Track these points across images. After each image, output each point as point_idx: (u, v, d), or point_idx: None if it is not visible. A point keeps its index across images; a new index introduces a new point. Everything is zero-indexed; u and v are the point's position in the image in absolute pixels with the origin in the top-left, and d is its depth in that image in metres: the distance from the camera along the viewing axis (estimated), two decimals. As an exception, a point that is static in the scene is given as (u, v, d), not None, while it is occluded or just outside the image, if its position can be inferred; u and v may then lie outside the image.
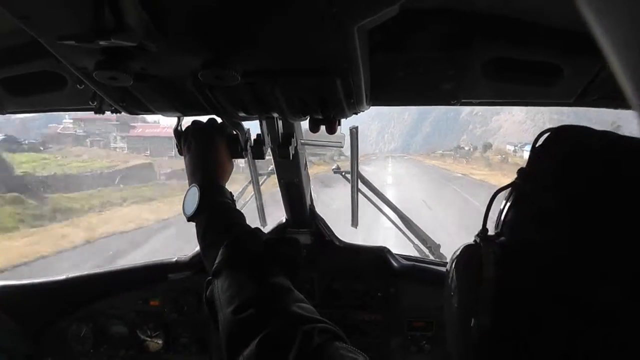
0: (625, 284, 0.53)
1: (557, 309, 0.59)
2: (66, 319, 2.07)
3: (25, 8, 0.66)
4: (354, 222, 2.32)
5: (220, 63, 0.82)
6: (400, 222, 2.40)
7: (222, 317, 0.95)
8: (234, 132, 1.31)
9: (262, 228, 1.82)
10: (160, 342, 2.06)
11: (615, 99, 1.10)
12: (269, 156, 1.61)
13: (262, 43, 0.81)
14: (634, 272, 0.53)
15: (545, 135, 0.69)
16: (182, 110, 1.15)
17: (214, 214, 1.21)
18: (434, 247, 2.34)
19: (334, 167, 2.40)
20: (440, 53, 1.00)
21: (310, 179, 2.04)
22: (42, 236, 14.02)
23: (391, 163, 67.53)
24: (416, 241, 2.37)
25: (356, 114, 1.11)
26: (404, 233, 2.41)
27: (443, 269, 2.05)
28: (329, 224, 2.10)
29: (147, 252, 11.29)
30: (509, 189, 0.70)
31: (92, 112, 1.20)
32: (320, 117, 1.10)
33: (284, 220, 2.07)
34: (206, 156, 1.29)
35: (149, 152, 42.24)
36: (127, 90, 0.99)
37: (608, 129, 0.65)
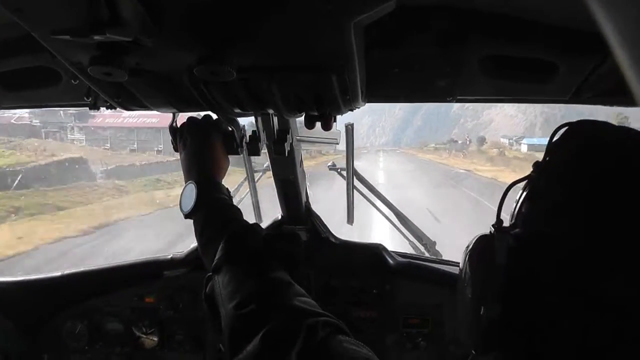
0: (638, 277, 0.54)
1: (570, 301, 0.60)
2: (61, 316, 2.06)
3: (19, 1, 0.65)
4: (350, 219, 2.33)
5: (215, 58, 0.82)
6: (396, 219, 2.41)
7: (224, 313, 0.95)
8: (230, 129, 1.31)
9: (257, 225, 1.82)
10: (155, 339, 2.05)
11: (610, 97, 1.10)
12: (264, 152, 1.61)
13: (258, 39, 0.81)
14: None
15: (563, 130, 0.69)
16: (178, 106, 1.15)
17: (212, 210, 1.21)
18: (429, 244, 2.35)
19: (329, 163, 2.40)
20: (437, 50, 1.00)
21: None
22: None
23: (383, 157, 62.24)
24: (412, 238, 2.38)
25: (352, 110, 1.11)
26: (399, 230, 2.42)
27: (439, 266, 2.06)
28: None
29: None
30: (525, 181, 0.71)
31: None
32: (316, 113, 1.10)
33: (280, 217, 2.07)
34: (202, 153, 1.29)
35: (109, 144, 39.66)
36: (122, 86, 0.99)
37: (606, 120, 0.66)
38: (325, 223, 2.09)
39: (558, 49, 0.96)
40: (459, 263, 0.76)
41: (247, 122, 1.36)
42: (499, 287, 0.65)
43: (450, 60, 1.03)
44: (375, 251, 2.05)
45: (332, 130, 1.17)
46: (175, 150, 1.37)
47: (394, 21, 0.81)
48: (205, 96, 1.02)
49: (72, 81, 1.10)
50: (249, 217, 1.25)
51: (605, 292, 0.57)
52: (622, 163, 0.60)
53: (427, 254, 2.31)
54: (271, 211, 2.16)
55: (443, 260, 2.21)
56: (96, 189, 22.61)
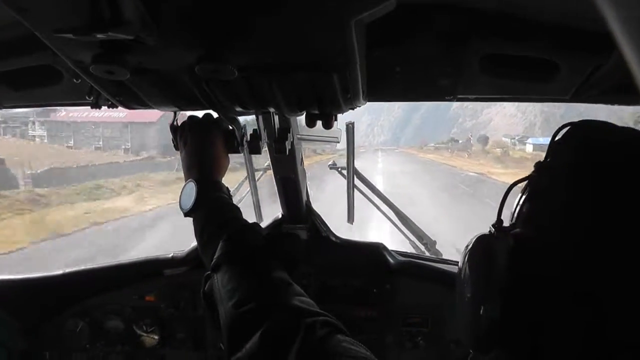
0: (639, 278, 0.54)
1: (570, 302, 0.60)
2: (62, 314, 2.07)
3: (23, 1, 0.65)
4: (350, 218, 2.33)
5: (217, 57, 0.82)
6: (397, 219, 2.41)
7: (223, 312, 0.95)
8: (230, 127, 1.31)
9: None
10: (156, 337, 2.06)
11: (612, 95, 1.10)
12: (265, 151, 1.62)
13: (259, 37, 0.81)
14: None
15: (566, 129, 0.69)
16: (179, 104, 1.15)
17: (212, 209, 1.21)
18: (430, 243, 2.35)
19: (330, 162, 2.40)
20: (438, 48, 1.00)
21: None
22: None
23: (381, 157, 54.81)
24: (412, 237, 2.38)
25: (352, 109, 1.11)
26: (400, 229, 2.41)
27: (439, 265, 2.06)
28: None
29: None
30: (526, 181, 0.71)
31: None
32: (317, 112, 1.10)
33: (280, 216, 2.07)
34: (203, 151, 1.29)
35: (72, 141, 36.69)
36: (124, 85, 0.99)
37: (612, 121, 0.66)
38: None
39: (559, 48, 0.96)
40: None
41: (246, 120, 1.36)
42: (498, 287, 0.65)
43: (451, 59, 1.03)
44: (375, 250, 2.05)
45: (332, 128, 1.17)
46: (176, 148, 1.37)
47: (395, 20, 0.81)
48: (206, 94, 1.03)
49: (74, 80, 1.10)
50: (250, 216, 1.25)
51: (605, 293, 0.57)
52: (625, 164, 0.60)
53: (427, 253, 2.31)
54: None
55: (443, 259, 2.21)
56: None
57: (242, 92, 1.01)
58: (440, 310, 1.92)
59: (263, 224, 2.08)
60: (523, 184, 0.73)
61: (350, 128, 1.80)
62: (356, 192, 2.28)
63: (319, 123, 1.14)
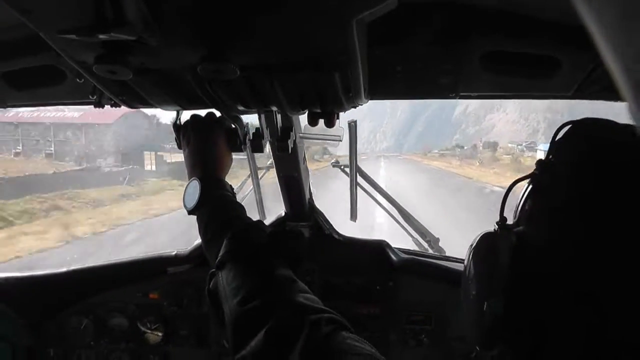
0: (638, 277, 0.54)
1: (570, 300, 0.60)
2: (67, 311, 2.08)
3: (27, 3, 0.66)
4: (353, 216, 2.33)
5: (219, 56, 0.82)
6: (399, 216, 2.41)
7: (228, 309, 0.95)
8: (233, 126, 1.32)
9: (261, 222, 1.82)
10: (160, 334, 2.07)
11: (614, 92, 1.10)
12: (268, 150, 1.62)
13: (261, 36, 0.81)
14: None
15: (567, 128, 0.69)
16: (182, 103, 1.15)
17: (216, 206, 1.22)
18: (433, 240, 2.34)
19: (332, 161, 2.41)
20: (439, 46, 1.01)
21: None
22: None
23: (384, 165, 46.79)
24: (415, 235, 2.38)
25: (354, 107, 1.11)
26: (402, 227, 2.41)
27: (442, 262, 2.06)
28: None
29: None
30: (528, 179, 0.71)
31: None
32: (319, 110, 1.10)
33: (283, 214, 2.07)
34: (205, 150, 1.30)
35: (21, 146, 29.36)
36: (127, 84, 0.99)
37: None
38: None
39: (560, 44, 0.96)
40: (462, 260, 0.76)
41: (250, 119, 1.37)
42: (501, 284, 0.66)
43: (452, 56, 1.03)
44: (378, 248, 2.06)
45: (335, 127, 1.17)
46: (179, 147, 1.37)
47: (396, 18, 0.81)
48: (208, 94, 1.03)
49: (77, 80, 1.10)
50: (253, 215, 1.25)
51: (606, 293, 0.57)
52: (627, 162, 0.60)
53: (430, 251, 2.31)
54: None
55: (446, 257, 2.20)
56: None
57: (245, 91, 1.01)
58: (444, 308, 1.92)
59: (266, 222, 2.09)
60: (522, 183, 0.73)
61: (352, 126, 1.80)
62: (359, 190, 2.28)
63: (322, 122, 1.15)
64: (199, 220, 1.24)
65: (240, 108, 1.15)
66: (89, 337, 2.08)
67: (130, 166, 25.44)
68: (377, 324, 1.96)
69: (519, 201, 0.72)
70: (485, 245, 0.72)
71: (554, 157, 0.69)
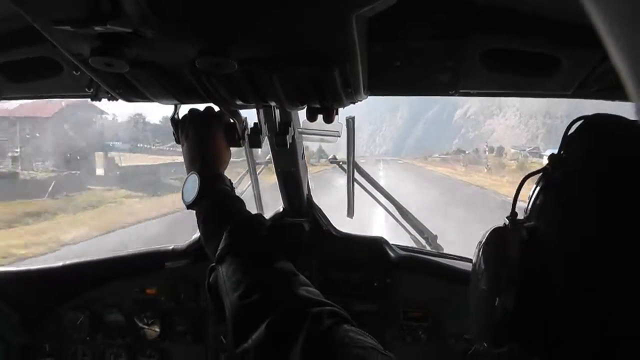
0: None
1: (581, 295, 0.60)
2: (63, 307, 2.07)
3: None
4: (350, 212, 2.33)
5: (217, 51, 0.82)
6: (397, 213, 2.41)
7: (229, 303, 0.95)
8: (231, 121, 1.31)
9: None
10: (156, 330, 2.06)
11: (613, 91, 1.10)
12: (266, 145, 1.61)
13: (259, 31, 0.80)
14: None
15: (578, 123, 0.69)
16: (180, 98, 1.14)
17: (215, 200, 1.21)
18: (430, 237, 2.35)
19: (330, 157, 2.40)
20: (438, 43, 1.00)
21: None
22: None
23: (383, 169, 40.05)
24: (413, 232, 2.38)
25: (353, 103, 1.11)
26: (400, 224, 2.42)
27: (440, 259, 2.06)
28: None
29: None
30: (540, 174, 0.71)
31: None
32: (318, 106, 1.10)
33: (281, 210, 2.07)
34: (204, 144, 1.29)
35: None
36: (124, 77, 0.98)
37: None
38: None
39: (560, 43, 0.95)
40: (460, 257, 0.76)
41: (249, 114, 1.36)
42: (512, 279, 0.66)
43: (451, 53, 1.02)
44: (376, 244, 2.05)
45: (333, 123, 1.17)
46: (177, 142, 1.37)
47: (396, 14, 0.81)
48: (207, 88, 1.02)
49: (74, 72, 1.10)
50: (251, 210, 1.25)
51: (615, 288, 0.57)
52: (637, 157, 0.60)
53: (428, 248, 2.31)
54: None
55: (444, 254, 2.20)
56: None
57: (243, 86, 1.00)
58: (441, 305, 1.92)
59: None
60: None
61: (350, 123, 1.80)
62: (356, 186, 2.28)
63: (320, 117, 1.14)
64: (197, 215, 1.24)
65: (239, 103, 1.14)
66: (85, 332, 2.07)
67: (72, 171, 19.18)
68: (374, 321, 1.96)
69: (530, 196, 0.72)
70: (496, 241, 0.72)
71: (565, 153, 0.69)
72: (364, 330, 0.82)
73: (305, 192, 2.00)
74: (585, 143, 0.67)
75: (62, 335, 2.07)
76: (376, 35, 0.92)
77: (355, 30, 0.77)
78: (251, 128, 1.37)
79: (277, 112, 1.41)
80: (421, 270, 2.00)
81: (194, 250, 2.03)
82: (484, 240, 0.73)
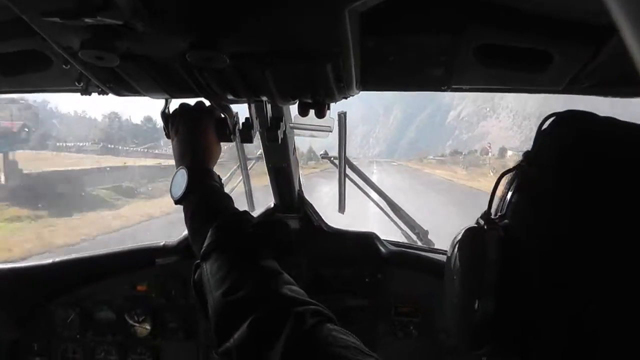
0: (623, 266, 0.54)
1: (557, 292, 0.60)
2: (52, 304, 2.05)
3: None
4: (341, 208, 2.33)
5: (208, 44, 0.81)
6: (388, 208, 2.42)
7: (212, 300, 0.95)
8: (222, 115, 1.30)
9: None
10: (147, 327, 2.05)
11: (605, 87, 1.11)
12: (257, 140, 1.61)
13: (251, 25, 0.80)
14: (633, 254, 0.53)
15: (551, 119, 0.69)
16: (170, 92, 1.14)
17: (202, 196, 1.21)
18: (422, 233, 2.36)
19: (321, 152, 2.40)
20: (432, 38, 1.00)
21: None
22: None
23: (377, 172, 38.85)
24: (404, 227, 2.39)
25: (345, 98, 1.11)
26: (392, 219, 2.42)
27: (431, 255, 2.07)
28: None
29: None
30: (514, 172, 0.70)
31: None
32: (310, 101, 1.09)
33: (272, 205, 2.06)
34: (194, 139, 1.28)
35: None
36: (114, 71, 0.97)
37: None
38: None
39: (553, 39, 0.96)
40: None
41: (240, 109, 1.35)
42: (490, 281, 0.64)
43: (445, 49, 1.02)
44: (367, 240, 2.06)
45: (325, 118, 1.17)
46: (167, 137, 1.36)
47: (390, 9, 0.81)
48: (198, 82, 1.02)
49: (64, 66, 1.08)
50: (242, 206, 1.24)
51: (590, 282, 0.57)
52: (612, 153, 0.60)
53: (419, 243, 2.32)
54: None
55: (435, 249, 2.22)
56: None
57: (235, 80, 1.00)
58: (432, 300, 1.93)
59: (255, 213, 2.08)
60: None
61: (342, 118, 1.81)
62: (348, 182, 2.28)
63: (312, 112, 1.14)
64: (185, 210, 1.23)
65: (230, 97, 1.14)
66: (75, 330, 2.05)
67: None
68: (365, 316, 1.97)
69: (504, 193, 0.71)
70: (472, 240, 0.70)
71: (539, 148, 0.69)
72: (355, 326, 0.82)
73: (297, 187, 2.00)
74: (559, 139, 0.67)
75: (52, 333, 2.05)
76: (369, 30, 0.92)
77: (348, 24, 0.77)
78: (242, 123, 1.36)
79: (269, 107, 1.40)
80: (412, 265, 2.01)
81: (184, 247, 2.01)
82: (458, 239, 0.71)
